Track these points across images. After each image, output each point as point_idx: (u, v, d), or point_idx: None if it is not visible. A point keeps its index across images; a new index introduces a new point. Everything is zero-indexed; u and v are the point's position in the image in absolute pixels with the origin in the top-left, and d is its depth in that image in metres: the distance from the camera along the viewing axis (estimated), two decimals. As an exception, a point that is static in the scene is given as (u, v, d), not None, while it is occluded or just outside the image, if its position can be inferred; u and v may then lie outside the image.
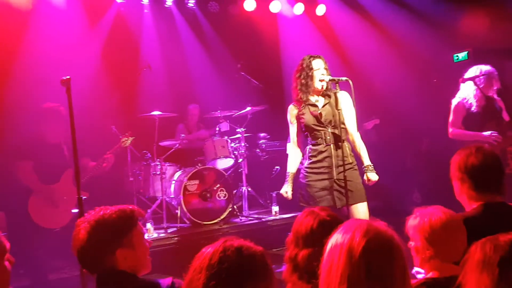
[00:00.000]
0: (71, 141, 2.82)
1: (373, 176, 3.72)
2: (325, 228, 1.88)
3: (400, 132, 6.66)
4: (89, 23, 6.30)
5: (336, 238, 1.48)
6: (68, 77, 2.84)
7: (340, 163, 3.65)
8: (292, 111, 3.87)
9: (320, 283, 1.47)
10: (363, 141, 3.81)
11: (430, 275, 2.02)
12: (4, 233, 2.20)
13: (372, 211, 3.73)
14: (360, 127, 3.90)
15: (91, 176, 4.59)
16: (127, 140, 4.99)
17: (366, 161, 3.76)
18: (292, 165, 3.89)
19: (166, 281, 1.87)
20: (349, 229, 1.47)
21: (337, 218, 2.04)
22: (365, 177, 3.73)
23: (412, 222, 2.09)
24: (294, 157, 3.90)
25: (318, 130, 3.74)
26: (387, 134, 6.70)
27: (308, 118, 3.76)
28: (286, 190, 3.83)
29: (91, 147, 4.67)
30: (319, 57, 3.79)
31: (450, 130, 4.66)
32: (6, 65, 5.29)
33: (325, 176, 3.69)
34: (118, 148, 4.89)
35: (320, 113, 3.72)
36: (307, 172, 3.77)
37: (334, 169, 3.65)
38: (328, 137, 3.71)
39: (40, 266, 4.18)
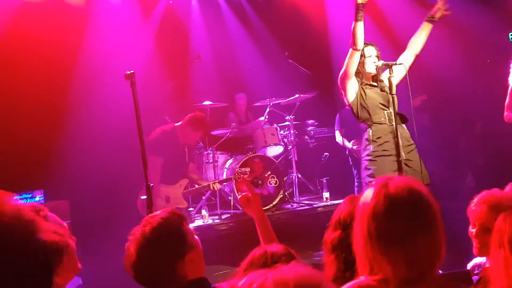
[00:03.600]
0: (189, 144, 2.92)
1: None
2: None
3: (453, 115, 6.49)
4: (142, 17, 6.53)
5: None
6: (132, 71, 2.89)
7: (406, 143, 3.59)
8: (354, 81, 3.72)
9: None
10: (414, 121, 3.62)
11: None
12: (67, 221, 2.28)
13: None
14: (407, 107, 3.79)
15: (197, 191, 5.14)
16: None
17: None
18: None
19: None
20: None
21: None
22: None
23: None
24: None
25: (382, 110, 3.67)
26: (439, 117, 6.55)
27: (372, 95, 3.68)
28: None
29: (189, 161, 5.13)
30: (372, 44, 3.76)
31: (506, 113, 4.50)
32: (66, 61, 5.58)
33: (393, 158, 3.54)
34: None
35: (384, 91, 3.66)
36: (373, 154, 3.63)
37: (402, 148, 3.51)
38: (392, 117, 3.62)
39: (108, 250, 4.46)
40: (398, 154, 3.47)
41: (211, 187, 5.15)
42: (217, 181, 5.25)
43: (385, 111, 3.66)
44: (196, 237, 1.81)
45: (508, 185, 2.07)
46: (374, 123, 3.66)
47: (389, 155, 3.56)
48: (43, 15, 5.50)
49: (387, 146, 3.58)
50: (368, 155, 3.63)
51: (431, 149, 3.76)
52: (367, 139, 3.67)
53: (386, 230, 1.37)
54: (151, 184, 2.81)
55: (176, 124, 5.06)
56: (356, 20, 3.58)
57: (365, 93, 3.69)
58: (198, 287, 1.71)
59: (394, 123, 3.56)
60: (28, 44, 5.30)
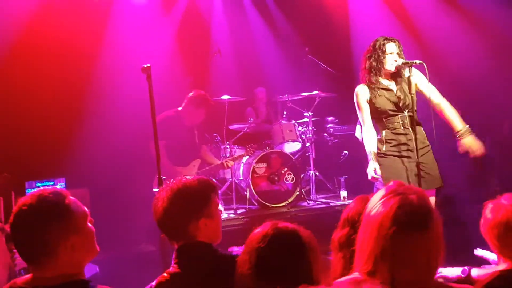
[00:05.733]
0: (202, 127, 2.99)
1: (470, 141, 3.45)
2: None
3: (480, 115, 6.32)
4: (163, 12, 6.54)
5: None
6: (148, 65, 2.94)
7: (421, 145, 3.54)
8: (363, 94, 3.68)
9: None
10: (433, 121, 3.57)
11: (504, 267, 1.93)
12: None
13: (449, 198, 3.64)
14: (436, 115, 3.74)
15: (211, 171, 5.22)
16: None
17: (459, 125, 3.51)
18: (373, 144, 3.64)
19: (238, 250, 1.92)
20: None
21: None
22: (463, 144, 3.47)
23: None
24: (374, 137, 3.67)
25: (395, 114, 3.63)
26: (465, 117, 6.38)
27: (384, 102, 3.63)
28: (375, 167, 3.50)
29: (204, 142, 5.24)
30: (394, 41, 3.64)
31: None
32: (89, 53, 5.64)
33: (408, 160, 3.56)
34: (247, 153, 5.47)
35: (399, 98, 3.61)
36: (386, 156, 3.63)
37: (415, 152, 3.48)
38: (406, 121, 3.60)
39: (125, 239, 4.52)
40: (415, 155, 3.47)
41: (225, 165, 5.31)
42: (229, 158, 5.41)
43: (399, 115, 3.62)
44: (220, 209, 1.99)
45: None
46: (388, 128, 3.66)
47: (400, 156, 3.57)
48: (65, 12, 5.60)
49: (400, 148, 3.59)
50: (380, 152, 3.63)
51: (454, 150, 3.67)
52: (380, 140, 3.67)
53: (400, 238, 1.38)
54: (163, 177, 2.81)
55: (179, 108, 5.13)
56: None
57: (376, 100, 3.65)
58: (204, 248, 1.87)
59: (409, 126, 3.58)
60: (51, 38, 5.42)
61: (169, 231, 1.92)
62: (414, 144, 3.49)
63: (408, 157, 3.57)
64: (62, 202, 1.55)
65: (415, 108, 3.64)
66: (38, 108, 5.32)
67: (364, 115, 3.70)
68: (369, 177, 3.53)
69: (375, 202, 1.46)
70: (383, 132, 3.66)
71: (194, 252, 1.87)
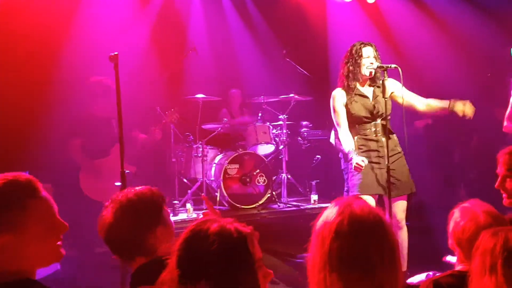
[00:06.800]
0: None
1: (460, 107, 3.62)
2: None
3: (449, 126, 6.43)
4: (140, 3, 6.41)
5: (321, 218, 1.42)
6: (116, 53, 2.90)
7: (391, 153, 3.60)
8: (340, 97, 3.74)
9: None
10: (405, 127, 3.64)
11: (460, 267, 1.97)
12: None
13: (416, 206, 3.68)
14: (411, 125, 3.84)
15: (142, 148, 4.74)
16: (173, 115, 5.11)
17: (445, 102, 3.70)
18: (352, 143, 3.65)
19: None
20: (332, 208, 1.40)
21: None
22: (457, 111, 3.63)
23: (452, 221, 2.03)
24: (351, 137, 3.69)
25: (368, 122, 3.70)
26: (435, 127, 6.49)
27: (359, 109, 3.69)
28: (361, 159, 3.49)
29: (136, 125, 4.83)
30: (370, 45, 3.72)
31: (505, 124, 4.46)
32: (56, 43, 5.44)
33: (378, 166, 3.63)
34: (168, 121, 5.05)
35: (374, 106, 3.68)
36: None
37: (386, 158, 3.56)
38: (378, 129, 3.69)
39: (88, 238, 4.35)
40: (385, 162, 3.54)
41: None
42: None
43: (372, 122, 3.69)
44: (171, 219, 1.91)
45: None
46: (360, 134, 3.71)
47: (370, 162, 3.60)
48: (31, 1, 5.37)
49: (370, 154, 3.64)
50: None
51: (426, 160, 3.76)
52: (355, 143, 3.71)
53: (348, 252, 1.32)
54: (127, 171, 2.74)
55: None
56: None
57: (352, 106, 3.70)
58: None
59: (381, 133, 3.66)
60: (16, 26, 5.16)
61: (125, 245, 1.79)
62: (386, 150, 3.55)
63: (378, 163, 3.64)
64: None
65: (389, 114, 3.68)
66: (0, 100, 5.12)
67: (341, 118, 3.74)
68: (353, 167, 3.48)
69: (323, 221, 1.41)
70: (355, 138, 3.71)
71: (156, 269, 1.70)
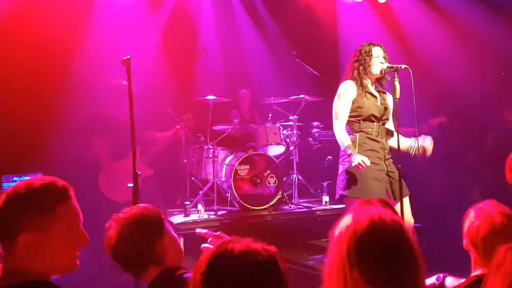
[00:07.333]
0: (135, 118, 2.93)
1: (424, 144, 3.58)
2: None
3: (464, 127, 6.37)
4: (151, 7, 6.46)
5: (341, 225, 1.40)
6: (128, 57, 2.93)
7: (387, 156, 3.66)
8: (350, 89, 3.66)
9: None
10: (426, 134, 3.72)
11: (478, 272, 1.94)
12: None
13: (431, 207, 3.65)
14: (425, 122, 3.83)
15: (159, 148, 4.95)
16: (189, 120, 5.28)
17: (408, 140, 3.68)
18: (348, 138, 3.61)
19: None
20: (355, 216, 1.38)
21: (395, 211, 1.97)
22: (421, 146, 3.60)
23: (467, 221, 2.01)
24: (346, 132, 3.66)
25: (373, 121, 3.67)
26: (450, 128, 6.43)
27: (370, 106, 3.66)
28: (362, 159, 3.41)
29: (150, 126, 4.94)
30: (379, 45, 3.72)
31: None
32: (72, 47, 5.52)
33: (378, 167, 3.60)
34: (184, 125, 5.23)
35: (385, 108, 3.70)
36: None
37: (384, 161, 3.61)
38: (380, 130, 3.69)
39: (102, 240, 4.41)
40: (383, 165, 3.59)
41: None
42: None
43: (375, 123, 3.67)
44: (174, 233, 1.94)
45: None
46: (362, 132, 3.65)
47: (372, 163, 3.51)
48: (47, 4, 5.47)
49: (370, 154, 3.57)
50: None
51: (440, 160, 3.72)
52: (352, 141, 3.62)
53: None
54: (139, 172, 2.76)
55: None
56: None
57: (363, 101, 3.66)
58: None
59: (382, 136, 3.67)
60: (31, 31, 5.29)
61: (134, 259, 1.81)
62: (384, 153, 3.62)
63: (377, 164, 3.61)
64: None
65: (396, 115, 3.61)
66: (16, 102, 5.19)
67: (343, 110, 3.67)
68: (356, 164, 3.42)
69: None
70: (357, 135, 3.65)
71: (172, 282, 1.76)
